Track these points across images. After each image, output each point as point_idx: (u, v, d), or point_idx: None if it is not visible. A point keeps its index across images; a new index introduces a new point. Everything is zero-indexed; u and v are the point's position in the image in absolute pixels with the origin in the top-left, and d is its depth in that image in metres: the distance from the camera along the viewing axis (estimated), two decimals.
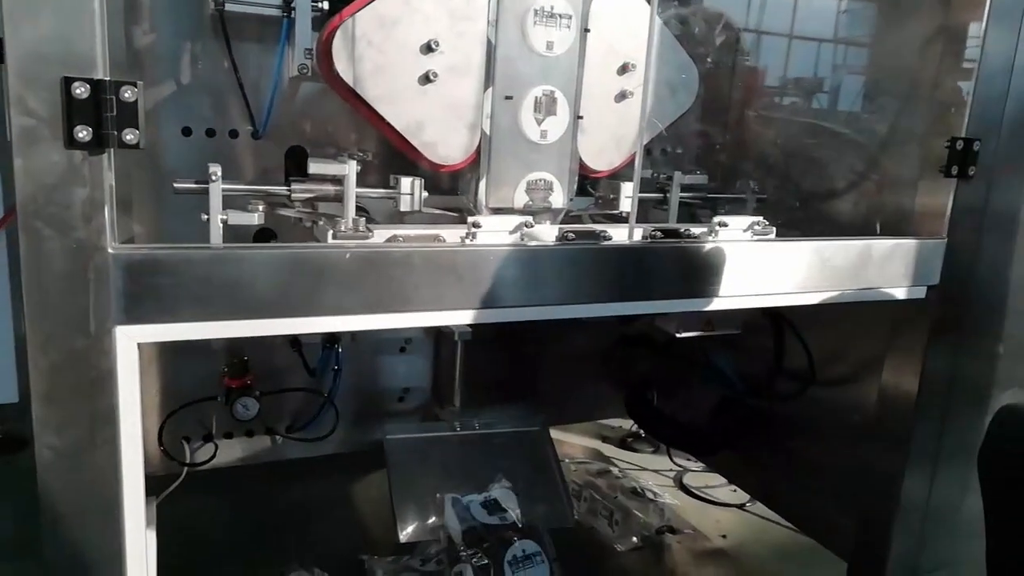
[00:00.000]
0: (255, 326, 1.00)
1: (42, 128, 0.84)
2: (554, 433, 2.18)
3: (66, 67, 0.84)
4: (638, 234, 1.31)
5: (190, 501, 1.65)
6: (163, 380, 1.74)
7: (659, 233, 1.32)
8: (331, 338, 1.83)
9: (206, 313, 0.97)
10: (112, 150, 0.88)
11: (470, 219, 1.23)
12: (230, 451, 1.86)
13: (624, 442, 2.66)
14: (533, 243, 1.22)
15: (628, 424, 2.66)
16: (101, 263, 0.90)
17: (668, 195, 1.64)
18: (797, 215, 1.77)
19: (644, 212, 1.72)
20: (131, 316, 0.93)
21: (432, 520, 1.81)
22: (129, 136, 0.88)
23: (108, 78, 0.86)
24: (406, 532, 1.78)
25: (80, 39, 0.84)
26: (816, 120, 1.85)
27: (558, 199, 1.45)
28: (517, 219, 1.26)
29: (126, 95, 0.87)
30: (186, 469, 1.72)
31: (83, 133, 0.85)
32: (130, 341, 0.93)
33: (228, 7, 1.47)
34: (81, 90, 0.84)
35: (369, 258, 1.06)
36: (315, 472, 2.11)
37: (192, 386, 1.74)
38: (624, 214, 1.59)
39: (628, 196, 1.58)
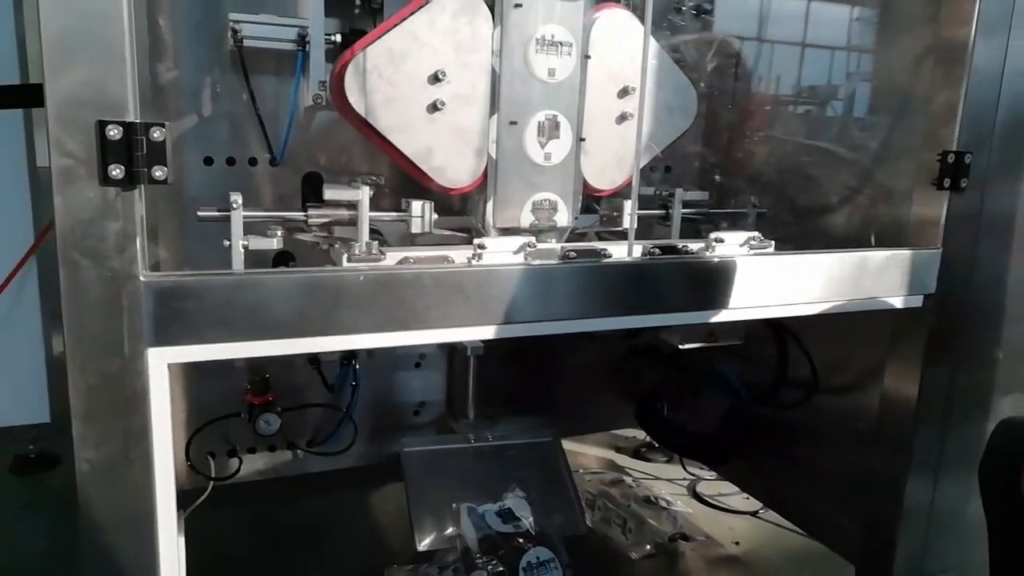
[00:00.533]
0: (275, 346, 1.06)
1: (79, 167, 0.92)
2: (569, 444, 2.22)
3: (100, 111, 0.91)
4: (637, 251, 1.37)
5: (216, 514, 1.71)
6: (189, 398, 1.81)
7: (657, 250, 1.38)
8: (348, 355, 1.89)
9: (230, 335, 1.03)
10: (143, 186, 0.95)
11: (476, 241, 1.29)
12: (253, 465, 1.92)
13: (638, 452, 2.71)
14: (536, 262, 1.28)
15: (641, 435, 2.70)
16: (133, 290, 0.96)
17: (671, 211, 1.70)
18: (797, 229, 1.81)
19: (648, 228, 1.78)
20: (161, 339, 0.99)
21: (449, 530, 1.86)
22: (158, 172, 0.95)
23: (139, 120, 0.93)
24: (424, 541, 1.83)
25: (113, 85, 0.91)
26: (814, 138, 1.90)
27: (563, 218, 1.52)
28: (521, 239, 1.32)
29: (155, 135, 0.94)
30: (212, 483, 1.78)
31: (116, 171, 0.92)
32: (161, 362, 1.00)
33: (246, 43, 1.55)
34: (114, 132, 0.91)
35: (381, 279, 1.12)
36: (335, 485, 2.17)
37: (216, 404, 1.80)
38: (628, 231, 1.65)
39: (630, 214, 1.64)
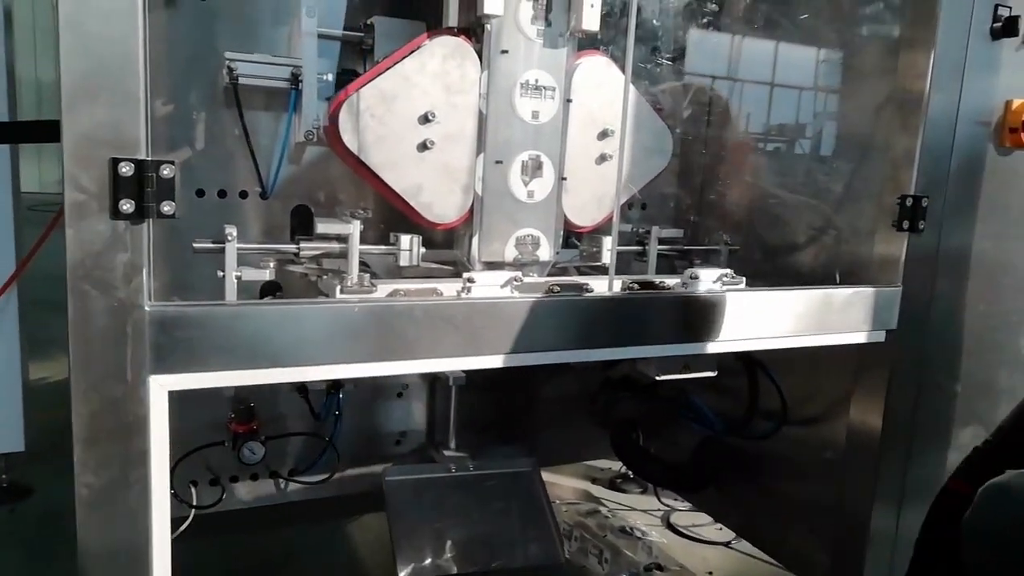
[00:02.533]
0: (273, 374, 1.10)
1: (91, 202, 0.96)
2: (545, 475, 2.25)
3: (114, 149, 0.96)
4: (617, 286, 1.43)
5: (197, 542, 1.71)
6: (172, 427, 1.81)
7: (636, 285, 1.44)
8: (334, 384, 1.92)
9: (229, 363, 1.07)
10: (151, 220, 0.99)
11: (465, 275, 1.35)
12: (235, 494, 1.93)
13: (613, 483, 2.75)
14: (522, 296, 1.33)
15: (617, 466, 2.75)
16: (139, 319, 1.00)
17: (647, 248, 1.77)
18: (767, 266, 1.89)
19: (626, 264, 1.84)
20: (163, 366, 1.03)
21: (429, 560, 1.88)
22: (166, 207, 0.99)
23: (150, 158, 0.98)
24: (405, 570, 1.85)
25: (127, 125, 0.96)
26: (782, 181, 1.99)
27: (545, 253, 1.58)
28: (508, 274, 1.38)
29: (165, 172, 0.99)
30: (193, 511, 1.79)
31: (127, 206, 0.97)
32: (162, 389, 1.03)
33: (241, 80, 1.60)
34: (127, 169, 0.96)
35: (374, 311, 1.17)
36: (317, 513, 2.18)
37: (200, 432, 1.81)
38: (607, 266, 1.71)
39: (609, 249, 1.71)
